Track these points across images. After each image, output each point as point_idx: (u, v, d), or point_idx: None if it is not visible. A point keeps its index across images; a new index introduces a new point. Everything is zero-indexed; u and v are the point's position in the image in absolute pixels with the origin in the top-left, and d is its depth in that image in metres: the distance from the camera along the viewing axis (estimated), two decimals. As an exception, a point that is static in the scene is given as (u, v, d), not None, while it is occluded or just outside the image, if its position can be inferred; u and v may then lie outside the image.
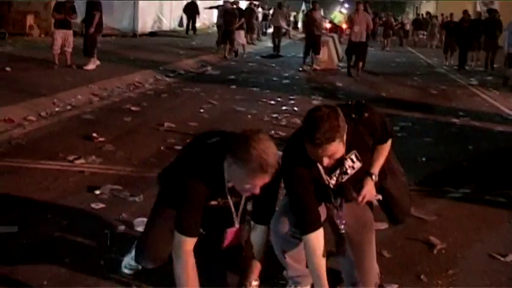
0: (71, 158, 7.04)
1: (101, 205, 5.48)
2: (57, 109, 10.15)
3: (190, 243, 3.30)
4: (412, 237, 4.73)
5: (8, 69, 13.75)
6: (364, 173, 3.61)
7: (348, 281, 3.76)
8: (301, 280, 3.81)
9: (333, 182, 3.55)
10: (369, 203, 3.78)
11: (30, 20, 24.36)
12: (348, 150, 3.43)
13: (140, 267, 3.83)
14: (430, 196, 6.03)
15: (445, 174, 6.97)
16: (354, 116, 3.46)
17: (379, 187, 3.72)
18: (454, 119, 10.87)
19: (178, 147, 7.32)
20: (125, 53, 19.26)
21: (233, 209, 3.49)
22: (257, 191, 3.19)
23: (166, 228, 3.55)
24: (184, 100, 12.15)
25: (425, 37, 40.77)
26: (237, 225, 3.56)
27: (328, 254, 3.58)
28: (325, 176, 3.51)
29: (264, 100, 12.27)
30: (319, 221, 3.48)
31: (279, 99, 12.44)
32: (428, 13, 43.59)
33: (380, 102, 12.72)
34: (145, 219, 4.73)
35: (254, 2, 37.42)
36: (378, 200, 3.79)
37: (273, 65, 20.65)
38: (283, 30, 30.70)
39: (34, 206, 5.39)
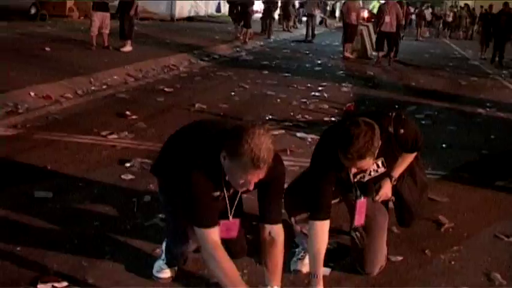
0: (104, 133, 7.39)
1: (130, 176, 5.82)
2: (93, 88, 10.53)
3: (214, 233, 3.22)
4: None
5: (47, 48, 14.19)
6: (385, 175, 3.86)
7: (357, 260, 3.97)
8: None
9: (355, 179, 3.77)
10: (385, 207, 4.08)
11: (70, 2, 24.93)
12: (376, 157, 3.56)
13: (170, 273, 3.81)
14: (445, 180, 6.24)
15: (463, 161, 7.15)
16: (390, 130, 3.66)
17: (394, 190, 3.98)
18: (480, 110, 10.98)
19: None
20: (162, 37, 19.64)
21: (228, 203, 3.41)
22: (251, 187, 3.14)
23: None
24: (217, 83, 12.44)
25: (463, 30, 40.64)
26: (231, 218, 3.47)
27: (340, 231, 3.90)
28: (351, 174, 3.70)
29: (295, 85, 12.53)
30: (329, 212, 3.62)
31: (309, 85, 12.68)
32: (466, 5, 43.37)
33: (409, 91, 12.94)
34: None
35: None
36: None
37: (307, 52, 20.86)
38: (319, 19, 30.99)
39: (68, 175, 5.75)
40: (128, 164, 6.16)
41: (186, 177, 3.22)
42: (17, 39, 15.88)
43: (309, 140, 7.59)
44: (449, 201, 5.58)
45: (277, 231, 3.39)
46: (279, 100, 10.74)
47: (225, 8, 36.21)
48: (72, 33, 18.33)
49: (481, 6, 40.12)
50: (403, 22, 22.19)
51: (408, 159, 3.93)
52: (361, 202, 3.84)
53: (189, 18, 30.89)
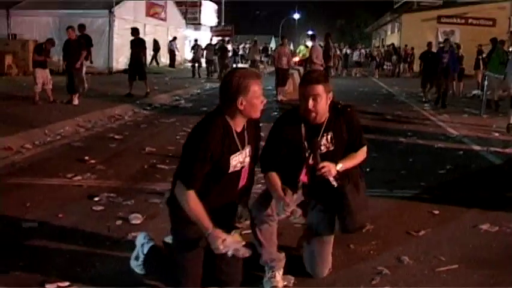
0: (69, 175, 8.30)
1: (100, 207, 6.77)
2: (49, 139, 11.38)
3: (193, 192, 3.95)
4: (348, 222, 6.07)
5: (-3, 106, 14.98)
6: (333, 155, 4.55)
7: (309, 266, 4.84)
8: (275, 264, 4.70)
9: (306, 145, 4.54)
10: (332, 218, 4.77)
11: (8, 60, 25.46)
12: (326, 129, 4.50)
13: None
14: (367, 195, 7.33)
15: (384, 180, 8.29)
16: (339, 106, 4.60)
17: (340, 192, 4.51)
18: (401, 139, 12.30)
19: (160, 166, 8.76)
20: (103, 89, 20.51)
21: (246, 153, 4.16)
22: (262, 99, 4.06)
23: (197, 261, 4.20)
24: (162, 129, 13.42)
25: (388, 68, 42.69)
26: (247, 163, 4.21)
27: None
28: (303, 140, 4.52)
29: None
30: (273, 167, 4.54)
31: (247, 126, 13.73)
32: (392, 44, 45.63)
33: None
34: (138, 215, 6.13)
35: (225, 38, 39.44)
36: (335, 207, 4.65)
37: (242, 97, 21.96)
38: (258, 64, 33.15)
39: (46, 210, 6.64)
40: (96, 198, 7.10)
41: (193, 140, 4.00)
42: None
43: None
44: (370, 211, 6.67)
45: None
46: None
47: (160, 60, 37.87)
48: (16, 89, 18.96)
49: (406, 45, 42.56)
50: (331, 63, 23.57)
51: (353, 158, 4.68)
52: (310, 163, 4.57)
53: (126, 71, 31.75)
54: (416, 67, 35.90)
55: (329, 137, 4.55)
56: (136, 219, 6.25)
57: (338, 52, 43.14)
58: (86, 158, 9.47)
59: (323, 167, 4.40)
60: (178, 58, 40.45)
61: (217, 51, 32.25)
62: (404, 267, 5.07)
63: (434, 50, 22.82)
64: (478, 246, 5.63)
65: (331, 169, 4.42)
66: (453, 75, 20.66)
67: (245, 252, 4.00)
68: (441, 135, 13.01)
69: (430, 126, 14.79)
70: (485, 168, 9.52)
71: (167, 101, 19.77)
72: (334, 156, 4.55)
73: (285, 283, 4.64)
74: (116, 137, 11.95)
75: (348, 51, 44.27)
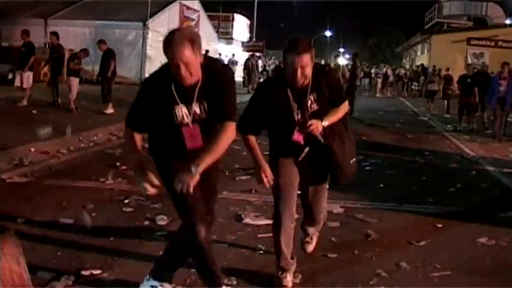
0: (102, 179, 8.96)
1: (130, 209, 7.42)
2: (82, 145, 12.11)
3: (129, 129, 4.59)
4: (356, 231, 6.66)
5: (34, 111, 15.72)
6: (317, 115, 4.80)
7: (306, 216, 5.44)
8: (288, 267, 5.16)
9: (296, 106, 4.82)
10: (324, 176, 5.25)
11: (44, 68, 26.23)
12: (311, 91, 4.82)
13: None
14: (377, 208, 7.89)
15: (395, 196, 8.77)
16: (318, 66, 5.05)
17: (326, 145, 4.89)
18: (418, 158, 12.78)
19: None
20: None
21: (185, 110, 4.27)
22: (182, 68, 3.97)
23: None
24: (189, 140, 13.99)
25: (416, 88, 42.93)
26: (190, 125, 4.28)
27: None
28: (292, 103, 4.78)
29: (259, 141, 14.09)
30: (251, 131, 5.02)
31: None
32: (421, 64, 45.88)
33: (359, 145, 14.47)
34: (164, 217, 6.74)
35: (255, 54, 40.04)
36: (324, 161, 4.98)
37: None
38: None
39: (80, 208, 7.28)
40: (126, 201, 7.75)
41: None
42: (3, 103, 17.46)
43: (271, 182, 9.19)
44: (377, 222, 7.23)
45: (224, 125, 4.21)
46: (244, 153, 12.27)
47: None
48: (50, 96, 19.67)
49: (434, 66, 42.76)
50: (357, 82, 24.05)
51: (336, 113, 4.96)
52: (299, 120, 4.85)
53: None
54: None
55: (312, 97, 4.86)
56: (162, 220, 6.87)
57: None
58: (118, 163, 10.11)
59: (311, 124, 4.76)
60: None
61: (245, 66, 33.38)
62: (402, 271, 5.59)
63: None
64: (473, 256, 6.12)
65: (318, 126, 4.80)
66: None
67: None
68: (458, 156, 13.45)
69: (449, 147, 15.25)
70: (494, 187, 9.97)
71: (197, 112, 20.37)
72: (319, 115, 4.87)
73: (293, 279, 5.19)
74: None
75: (389, 72, 44.15)
